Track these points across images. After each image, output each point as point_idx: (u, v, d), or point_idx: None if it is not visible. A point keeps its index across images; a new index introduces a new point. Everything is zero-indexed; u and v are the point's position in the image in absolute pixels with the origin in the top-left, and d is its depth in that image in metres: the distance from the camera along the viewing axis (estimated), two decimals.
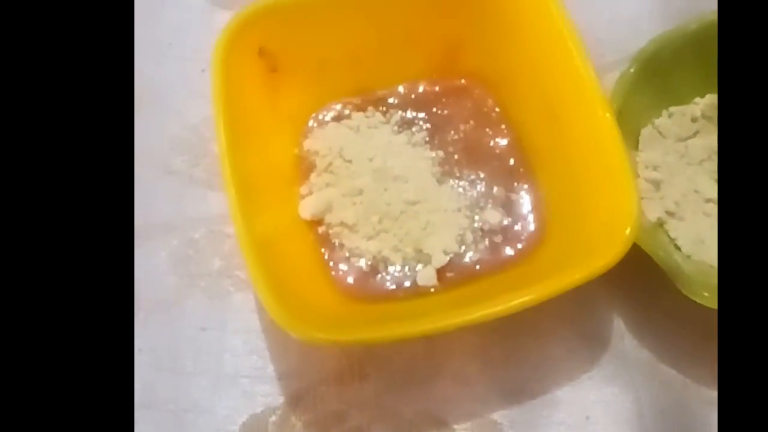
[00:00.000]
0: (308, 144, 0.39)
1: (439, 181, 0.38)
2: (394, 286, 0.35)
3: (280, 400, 0.34)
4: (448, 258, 0.36)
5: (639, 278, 0.35)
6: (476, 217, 0.37)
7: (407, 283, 0.35)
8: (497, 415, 0.34)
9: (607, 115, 0.34)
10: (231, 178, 0.32)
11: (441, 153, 0.39)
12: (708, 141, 0.38)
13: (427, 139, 0.39)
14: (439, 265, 0.35)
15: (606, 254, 0.30)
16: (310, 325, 0.30)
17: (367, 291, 0.35)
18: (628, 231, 0.31)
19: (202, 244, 0.38)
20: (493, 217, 0.37)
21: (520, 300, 0.30)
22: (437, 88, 0.41)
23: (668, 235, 0.36)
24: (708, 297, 0.32)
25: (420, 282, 0.35)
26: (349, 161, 0.38)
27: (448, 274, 0.36)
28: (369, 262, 0.36)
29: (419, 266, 0.36)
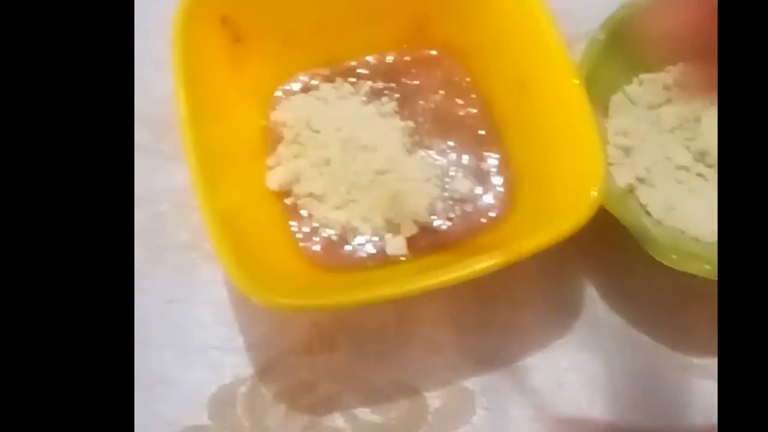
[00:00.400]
0: (275, 115, 0.38)
1: (409, 151, 0.38)
2: (363, 256, 0.35)
3: (249, 371, 0.34)
4: (417, 227, 0.35)
5: (611, 245, 0.35)
6: (446, 186, 0.37)
7: (376, 253, 0.35)
8: (469, 383, 0.34)
9: (575, 81, 0.33)
10: (192, 149, 0.32)
11: (411, 123, 0.38)
12: (680, 109, 0.38)
13: (397, 109, 0.39)
14: (408, 235, 0.35)
15: (572, 217, 0.30)
16: (272, 291, 0.29)
17: (336, 261, 0.35)
18: (594, 193, 0.30)
19: (168, 217, 0.38)
20: (464, 185, 0.36)
21: (488, 263, 0.30)
22: (407, 59, 0.40)
23: (639, 202, 0.36)
24: (676, 260, 0.32)
25: (389, 251, 0.35)
26: (317, 132, 0.37)
27: (418, 243, 0.35)
28: (338, 233, 0.35)
29: (388, 236, 0.35)
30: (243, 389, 0.34)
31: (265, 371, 0.34)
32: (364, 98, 0.39)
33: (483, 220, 0.36)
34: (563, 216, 0.30)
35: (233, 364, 0.34)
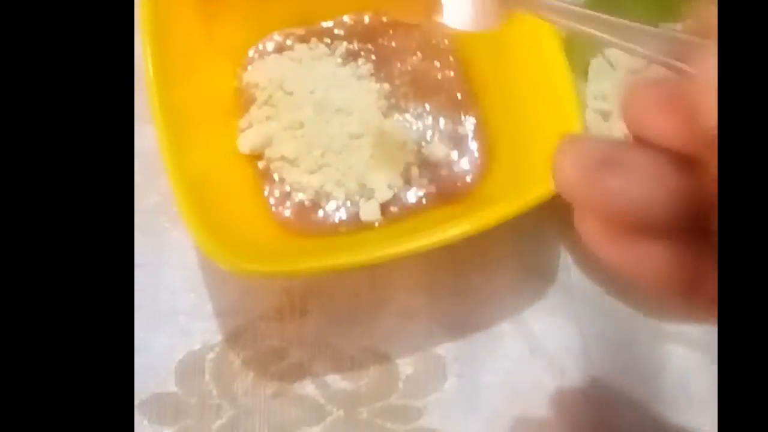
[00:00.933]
0: (248, 76, 0.37)
1: (385, 115, 0.37)
2: (336, 221, 0.34)
3: (218, 337, 0.33)
4: (392, 193, 0.35)
5: None
6: (422, 151, 0.36)
7: (350, 218, 0.34)
8: (441, 349, 0.33)
9: (554, 43, 0.33)
10: (159, 110, 0.31)
11: (387, 86, 0.37)
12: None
13: (373, 71, 0.38)
14: (383, 200, 0.34)
15: (546, 183, 0.29)
16: (240, 257, 0.28)
17: (309, 226, 0.34)
18: None
19: (137, 179, 0.36)
20: (440, 150, 0.36)
21: (461, 229, 0.29)
22: (384, 19, 0.39)
23: None
24: None
25: (363, 217, 0.34)
26: (290, 93, 0.36)
27: (392, 209, 0.35)
28: (310, 197, 0.35)
29: (362, 201, 0.34)
30: (211, 355, 0.33)
31: (234, 337, 0.33)
32: (339, 60, 0.38)
33: (458, 185, 0.35)
34: (537, 182, 0.30)
35: (202, 330, 0.33)
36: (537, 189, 0.30)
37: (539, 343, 0.33)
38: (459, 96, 0.37)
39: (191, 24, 0.36)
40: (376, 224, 0.34)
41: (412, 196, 0.35)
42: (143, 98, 0.37)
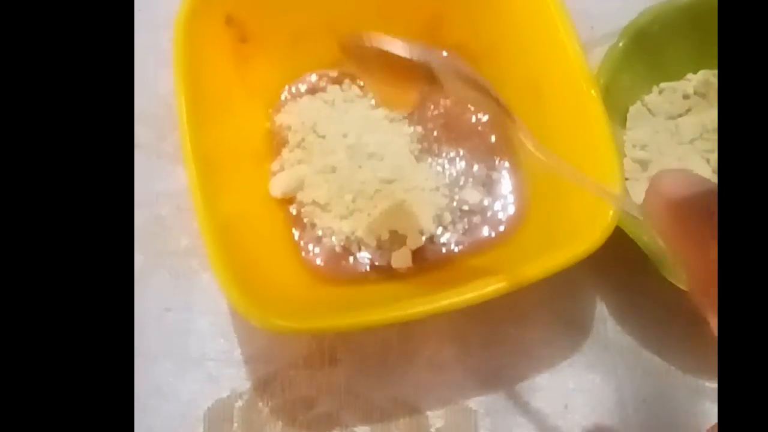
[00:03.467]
0: (280, 118, 0.37)
1: (417, 159, 0.36)
2: (367, 269, 0.34)
3: (246, 384, 0.33)
4: (424, 239, 0.34)
5: (622, 261, 0.33)
6: (455, 197, 0.35)
7: (381, 266, 0.34)
8: (473, 402, 0.33)
9: (593, 91, 0.32)
10: (192, 154, 0.31)
11: (420, 129, 0.37)
12: (700, 119, 0.37)
13: (406, 114, 0.38)
14: (414, 247, 0.34)
15: (588, 238, 0.29)
16: (272, 312, 0.28)
17: (339, 273, 0.34)
18: (610, 214, 0.29)
19: (168, 221, 0.37)
20: (473, 196, 0.35)
21: (497, 286, 0.28)
22: None
23: None
24: None
25: (394, 264, 0.34)
26: (323, 137, 0.36)
27: (424, 256, 0.34)
28: (341, 243, 0.34)
29: (394, 248, 0.34)
30: (240, 403, 0.33)
31: (263, 385, 0.33)
32: (372, 102, 0.38)
33: (492, 234, 0.34)
34: (578, 237, 0.29)
35: (231, 377, 0.33)
36: (576, 245, 0.29)
37: (574, 398, 0.33)
38: (493, 140, 0.37)
39: (224, 66, 0.36)
40: (407, 272, 0.34)
41: (445, 243, 0.34)
42: (175, 139, 0.38)
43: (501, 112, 0.28)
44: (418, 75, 0.28)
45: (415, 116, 0.38)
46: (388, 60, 0.28)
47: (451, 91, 0.28)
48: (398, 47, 0.27)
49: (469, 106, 0.38)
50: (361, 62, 0.29)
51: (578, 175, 0.26)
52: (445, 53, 0.35)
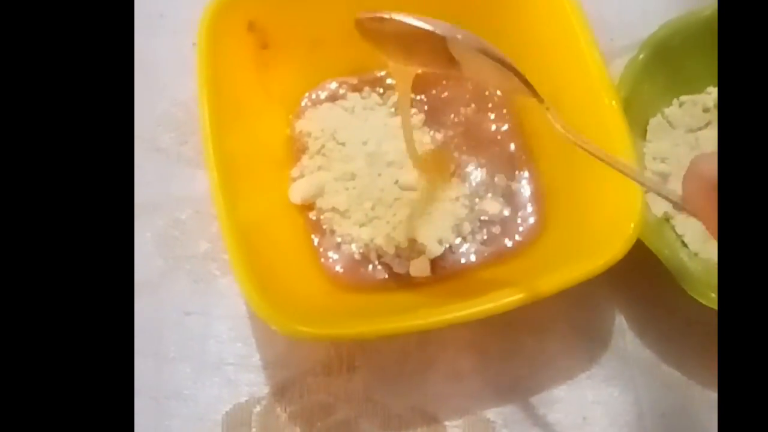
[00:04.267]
0: (301, 125, 0.37)
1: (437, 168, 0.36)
2: (385, 276, 0.34)
3: (265, 389, 0.33)
4: (443, 248, 0.34)
5: (642, 274, 0.33)
6: (475, 207, 0.35)
7: (399, 274, 0.34)
8: (491, 413, 0.33)
9: (613, 103, 0.32)
10: (214, 159, 0.31)
11: (440, 137, 0.37)
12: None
13: (426, 122, 0.38)
14: (433, 256, 0.34)
15: (608, 251, 0.29)
16: (293, 318, 0.28)
17: (358, 280, 0.34)
18: (631, 227, 0.29)
19: (188, 225, 0.37)
20: (493, 207, 0.35)
21: (517, 297, 0.29)
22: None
23: (675, 231, 0.34)
24: (714, 298, 0.30)
25: (413, 273, 0.34)
26: (343, 144, 0.36)
27: (443, 265, 0.34)
28: (360, 250, 0.34)
29: (412, 256, 0.34)
30: (258, 408, 0.33)
31: (281, 391, 0.33)
32: (392, 109, 0.38)
33: (511, 245, 0.35)
34: (598, 250, 0.29)
35: (249, 382, 0.33)
36: (597, 257, 0.29)
37: (592, 411, 0.33)
38: (513, 149, 0.37)
39: (246, 72, 0.36)
40: (425, 281, 0.34)
41: (463, 253, 0.35)
42: (196, 144, 0.38)
43: (528, 91, 0.27)
44: (437, 55, 0.27)
45: (434, 124, 0.38)
46: (407, 38, 0.27)
47: (472, 71, 0.28)
48: (420, 21, 0.27)
49: (488, 114, 0.38)
50: (379, 41, 0.29)
51: (607, 156, 0.26)
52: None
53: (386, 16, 0.27)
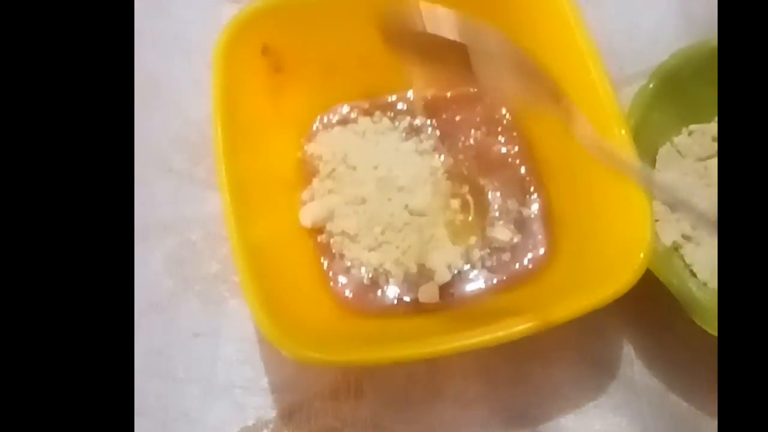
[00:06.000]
0: (312, 148, 0.37)
1: (447, 193, 0.36)
2: (394, 302, 0.34)
3: (272, 413, 0.33)
4: (452, 274, 0.34)
5: (651, 303, 0.33)
6: (485, 234, 0.35)
7: (408, 299, 0.34)
8: None
9: (623, 132, 0.32)
10: (226, 181, 0.31)
11: (450, 160, 0.37)
12: None
13: (436, 146, 0.38)
14: (442, 282, 0.34)
15: (617, 281, 0.29)
16: (302, 343, 0.28)
17: (367, 305, 0.34)
18: (641, 256, 0.29)
19: (199, 246, 0.37)
20: (503, 234, 0.35)
21: (525, 326, 0.29)
22: (448, 95, 0.39)
23: (684, 260, 0.34)
24: None
25: (421, 298, 0.34)
26: (353, 168, 0.36)
27: (452, 291, 0.34)
28: (369, 275, 0.35)
29: (421, 282, 0.34)
30: None
31: (288, 415, 0.33)
32: (402, 134, 0.38)
33: (521, 271, 0.35)
34: (607, 279, 0.29)
35: (257, 405, 0.33)
36: (606, 287, 0.29)
37: None
38: (523, 173, 0.37)
39: (259, 95, 0.36)
40: (434, 307, 0.34)
41: (472, 279, 0.35)
42: (208, 165, 0.38)
43: (554, 95, 0.27)
44: (456, 60, 0.27)
45: (445, 148, 0.38)
46: (427, 42, 0.27)
47: (487, 80, 0.27)
48: (445, 20, 0.26)
49: (498, 137, 0.38)
50: (399, 41, 0.28)
51: (634, 167, 0.26)
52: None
53: (412, 9, 0.26)
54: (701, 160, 0.37)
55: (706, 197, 0.36)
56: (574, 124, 0.26)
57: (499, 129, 0.38)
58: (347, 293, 0.34)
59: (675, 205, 0.26)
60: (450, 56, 0.27)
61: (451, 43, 0.26)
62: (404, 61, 0.29)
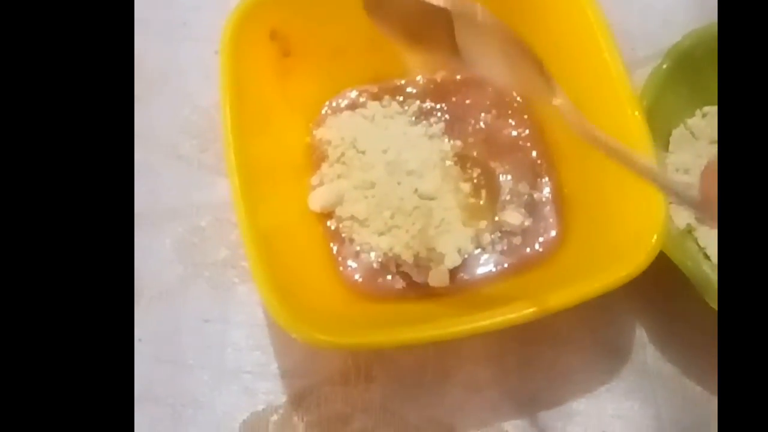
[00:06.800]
0: (321, 133, 0.37)
1: (457, 177, 0.36)
2: (404, 286, 0.34)
3: (282, 398, 0.33)
4: (462, 258, 0.34)
5: (663, 286, 0.33)
6: (496, 217, 0.35)
7: (418, 283, 0.34)
8: (509, 425, 0.32)
9: (636, 113, 0.32)
10: (236, 166, 0.31)
11: (460, 144, 0.37)
12: None
13: (445, 130, 0.38)
14: (452, 266, 0.34)
15: (630, 263, 0.29)
16: (312, 326, 0.28)
17: (376, 289, 0.34)
18: (654, 239, 0.29)
19: (208, 232, 0.37)
20: (514, 218, 0.35)
21: (536, 308, 0.28)
22: (458, 78, 0.39)
23: (697, 243, 0.34)
24: None
25: (431, 282, 0.34)
26: (363, 152, 0.36)
27: (462, 275, 0.34)
28: (379, 259, 0.34)
29: (431, 266, 0.34)
30: (275, 417, 0.33)
31: (298, 400, 0.33)
32: (411, 118, 0.38)
33: (531, 254, 0.34)
34: (620, 261, 0.29)
35: (266, 390, 0.33)
36: (618, 269, 0.29)
37: (612, 425, 0.32)
38: (534, 156, 0.37)
39: (267, 80, 0.36)
40: (444, 291, 0.34)
41: (483, 263, 0.34)
42: (217, 151, 0.38)
43: (542, 79, 0.26)
44: (441, 43, 0.26)
45: (454, 132, 0.37)
46: (412, 19, 0.26)
47: (474, 62, 0.26)
48: None
49: (508, 120, 0.38)
50: (385, 20, 0.28)
51: (625, 153, 0.25)
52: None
53: None
54: (715, 142, 0.36)
55: None
56: (563, 110, 0.25)
57: (510, 112, 0.38)
58: (357, 277, 0.34)
59: (669, 193, 0.26)
60: (435, 32, 0.26)
61: (436, 15, 0.26)
62: (387, 35, 0.29)
